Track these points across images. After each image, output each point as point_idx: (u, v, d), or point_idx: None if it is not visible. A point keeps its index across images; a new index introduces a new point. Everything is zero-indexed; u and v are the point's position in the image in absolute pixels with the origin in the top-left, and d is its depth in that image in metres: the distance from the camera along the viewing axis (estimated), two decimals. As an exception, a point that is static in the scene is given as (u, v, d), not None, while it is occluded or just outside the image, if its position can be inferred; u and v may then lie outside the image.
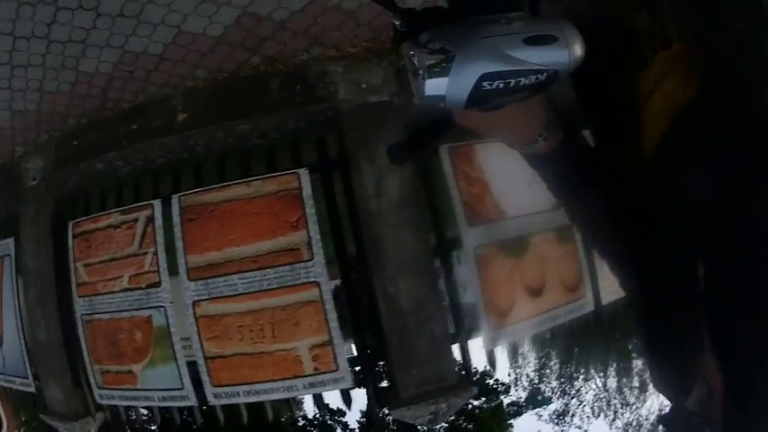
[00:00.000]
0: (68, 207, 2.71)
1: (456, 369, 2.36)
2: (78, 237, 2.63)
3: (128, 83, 2.51)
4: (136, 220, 2.56)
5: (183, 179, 2.58)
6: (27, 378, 2.63)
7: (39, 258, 2.59)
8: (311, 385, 2.33)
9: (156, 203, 2.53)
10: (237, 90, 2.51)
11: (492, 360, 2.66)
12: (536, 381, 9.25)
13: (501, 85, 0.46)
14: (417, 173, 2.47)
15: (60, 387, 2.54)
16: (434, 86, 0.46)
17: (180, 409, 2.61)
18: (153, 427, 3.57)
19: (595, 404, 9.32)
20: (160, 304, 2.49)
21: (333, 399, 3.03)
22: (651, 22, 0.53)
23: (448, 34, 0.48)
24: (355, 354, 2.49)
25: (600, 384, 9.18)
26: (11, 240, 2.71)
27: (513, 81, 0.46)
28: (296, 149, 2.51)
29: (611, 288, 2.77)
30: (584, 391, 9.32)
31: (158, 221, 2.52)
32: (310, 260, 2.34)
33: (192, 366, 2.44)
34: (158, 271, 2.50)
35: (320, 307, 2.32)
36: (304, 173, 2.41)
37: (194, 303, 2.44)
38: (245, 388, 2.40)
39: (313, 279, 2.33)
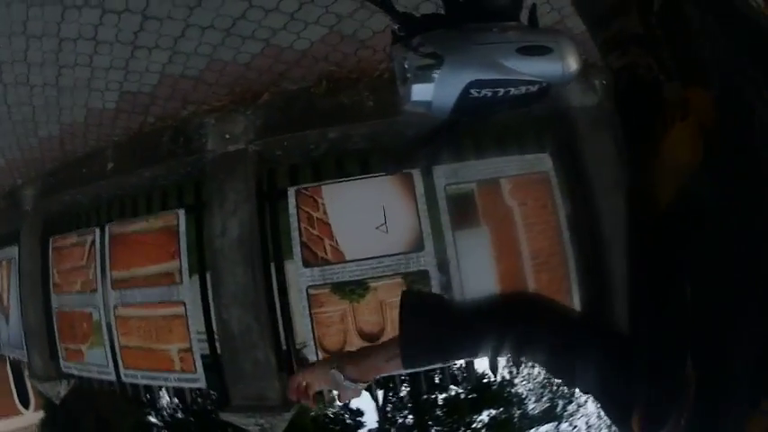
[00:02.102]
0: (50, 226, 3.72)
1: (279, 393, 2.67)
2: (54, 250, 3.63)
3: (74, 140, 3.38)
4: (85, 241, 3.45)
5: (113, 212, 3.39)
6: (23, 350, 3.77)
7: (30, 263, 3.65)
8: (178, 380, 3.00)
9: (97, 230, 3.39)
10: (142, 144, 3.20)
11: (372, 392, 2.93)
12: (530, 398, 8.88)
13: (489, 94, 0.45)
14: (269, 211, 2.89)
15: (41, 357, 3.60)
16: (421, 91, 0.45)
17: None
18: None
19: (590, 430, 8.65)
20: (96, 305, 3.36)
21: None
22: (677, 93, 0.57)
23: (440, 38, 0.47)
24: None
25: (594, 410, 8.49)
26: (15, 248, 3.84)
27: (502, 90, 0.44)
28: (180, 192, 3.12)
29: None
30: (576, 416, 8.70)
31: (97, 244, 3.37)
32: (180, 283, 2.97)
33: (113, 351, 3.29)
34: (96, 280, 3.37)
35: (185, 321, 2.95)
36: (181, 212, 3.03)
37: (115, 307, 3.26)
38: (141, 373, 3.16)
39: (181, 299, 2.97)
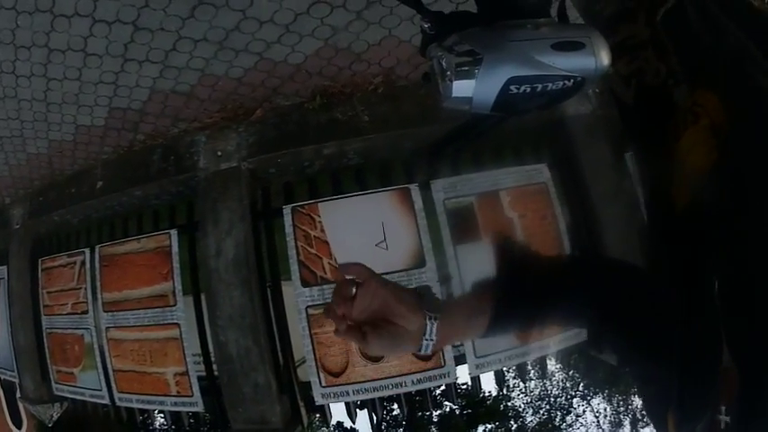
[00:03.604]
0: (40, 247, 3.62)
1: (280, 416, 2.61)
2: (44, 271, 3.53)
3: (62, 158, 3.29)
4: (75, 262, 3.35)
5: (103, 232, 3.30)
6: (14, 371, 3.66)
7: (20, 284, 3.55)
8: (175, 404, 2.92)
9: (87, 251, 3.29)
10: (132, 162, 3.12)
11: (349, 412, 2.84)
12: (528, 411, 8.84)
13: (528, 90, 0.45)
14: (264, 230, 2.83)
15: (32, 379, 3.50)
16: (462, 88, 0.46)
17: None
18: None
19: None
20: (87, 327, 3.27)
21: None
22: (687, 97, 0.57)
23: (476, 37, 0.47)
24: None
25: (593, 419, 8.49)
26: (5, 268, 3.72)
27: (540, 86, 0.45)
28: (172, 212, 3.04)
29: (489, 358, 2.68)
30: (575, 427, 8.68)
31: (87, 265, 3.28)
32: (174, 305, 2.90)
33: (106, 375, 3.20)
34: (87, 302, 3.28)
35: (180, 344, 2.87)
36: (174, 233, 2.95)
37: (107, 329, 3.17)
38: (136, 396, 3.08)
39: (176, 321, 2.89)
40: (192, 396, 2.86)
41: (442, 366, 2.69)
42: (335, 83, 2.78)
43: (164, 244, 2.94)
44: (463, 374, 2.96)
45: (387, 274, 2.59)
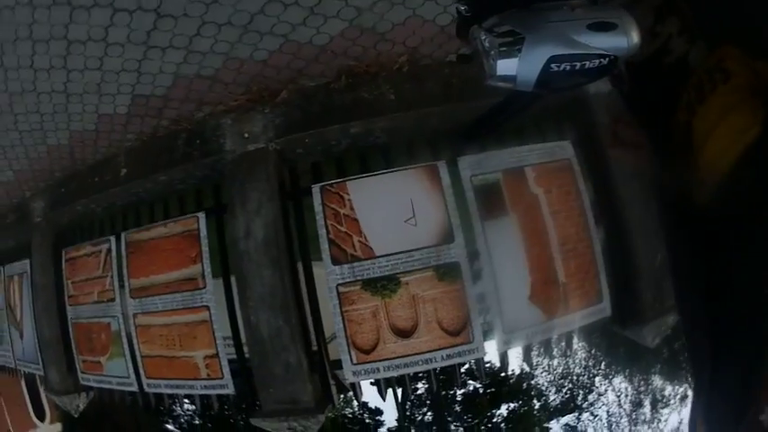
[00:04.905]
0: (62, 238, 3.63)
1: (311, 395, 2.62)
2: (68, 261, 3.54)
3: (84, 148, 3.30)
4: (100, 251, 3.36)
5: (128, 219, 3.31)
6: (38, 364, 3.67)
7: (43, 276, 3.56)
8: (205, 387, 2.93)
9: (112, 239, 3.30)
10: (156, 148, 3.12)
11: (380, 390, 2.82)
12: (550, 390, 8.86)
13: (567, 68, 0.48)
14: (293, 210, 2.84)
15: (57, 371, 3.50)
16: (506, 67, 0.48)
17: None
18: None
19: (610, 418, 8.69)
20: (114, 314, 3.27)
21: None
22: (707, 56, 0.53)
23: (516, 18, 0.50)
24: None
25: (614, 399, 8.50)
26: (27, 261, 3.73)
27: (578, 64, 0.47)
28: (199, 195, 3.05)
29: (516, 333, 2.68)
30: (597, 406, 8.69)
31: (113, 253, 3.29)
32: (204, 288, 2.91)
33: (134, 361, 3.20)
34: (113, 290, 3.29)
35: (210, 326, 2.88)
36: (201, 216, 2.96)
37: (134, 315, 3.18)
38: (165, 382, 3.08)
39: (205, 303, 2.90)
40: (222, 378, 2.86)
41: (471, 342, 2.70)
42: (360, 63, 2.80)
43: (191, 227, 2.95)
44: (489, 351, 2.98)
45: (416, 250, 2.65)
